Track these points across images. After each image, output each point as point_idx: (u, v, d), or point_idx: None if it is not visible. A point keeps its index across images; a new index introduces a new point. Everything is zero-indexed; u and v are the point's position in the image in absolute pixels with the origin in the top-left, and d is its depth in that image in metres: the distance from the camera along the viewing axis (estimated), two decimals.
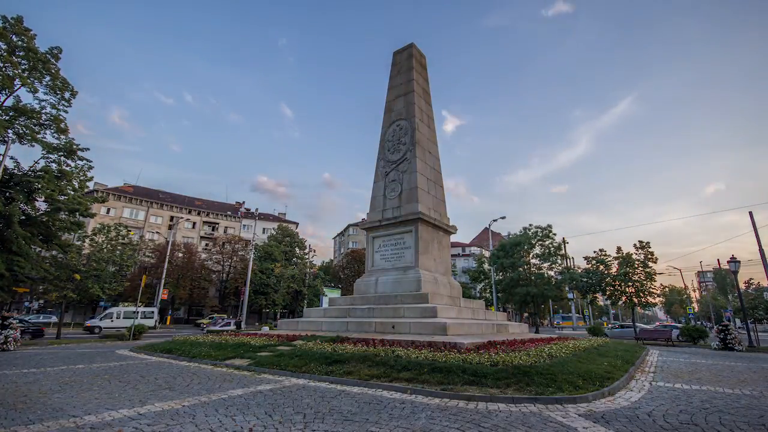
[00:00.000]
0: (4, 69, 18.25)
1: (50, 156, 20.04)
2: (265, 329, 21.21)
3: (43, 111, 19.65)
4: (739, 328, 36.36)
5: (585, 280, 32.42)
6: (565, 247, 46.50)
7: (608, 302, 45.41)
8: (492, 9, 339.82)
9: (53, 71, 19.59)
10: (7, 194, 18.37)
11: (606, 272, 30.54)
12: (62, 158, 20.32)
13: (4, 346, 13.58)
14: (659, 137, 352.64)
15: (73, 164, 20.69)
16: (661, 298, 62.92)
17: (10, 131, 18.45)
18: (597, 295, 35.04)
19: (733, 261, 22.04)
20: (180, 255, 53.00)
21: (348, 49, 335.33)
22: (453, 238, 19.45)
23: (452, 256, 23.90)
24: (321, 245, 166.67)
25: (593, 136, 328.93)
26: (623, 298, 29.57)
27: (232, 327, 30.48)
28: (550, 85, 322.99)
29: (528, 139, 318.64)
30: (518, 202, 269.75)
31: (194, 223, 70.37)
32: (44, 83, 19.57)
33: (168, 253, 44.35)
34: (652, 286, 28.93)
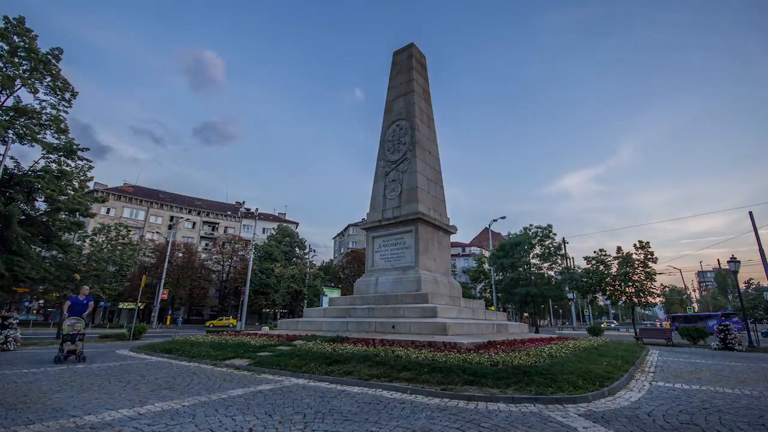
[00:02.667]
0: (5, 69, 18.27)
1: (50, 156, 20.07)
2: (265, 329, 21.20)
3: (44, 111, 19.68)
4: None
5: (585, 280, 32.42)
6: (565, 247, 46.49)
7: (608, 302, 45.42)
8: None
9: (54, 72, 19.61)
10: (7, 194, 18.38)
11: (606, 272, 30.53)
12: (62, 158, 20.34)
13: (4, 346, 13.56)
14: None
15: (73, 164, 20.71)
16: (661, 298, 62.93)
17: (10, 131, 18.47)
18: (597, 295, 35.02)
19: (733, 261, 22.00)
20: (180, 255, 53.03)
21: (349, 49, 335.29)
22: (453, 238, 19.45)
23: (452, 256, 23.92)
24: (321, 245, 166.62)
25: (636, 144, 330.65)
26: (623, 298, 29.56)
27: None
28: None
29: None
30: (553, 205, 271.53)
31: (194, 223, 70.40)
32: (45, 84, 19.60)
33: (168, 253, 44.36)
34: (653, 286, 28.92)
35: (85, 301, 11.16)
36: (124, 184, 69.81)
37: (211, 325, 43.44)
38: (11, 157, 19.57)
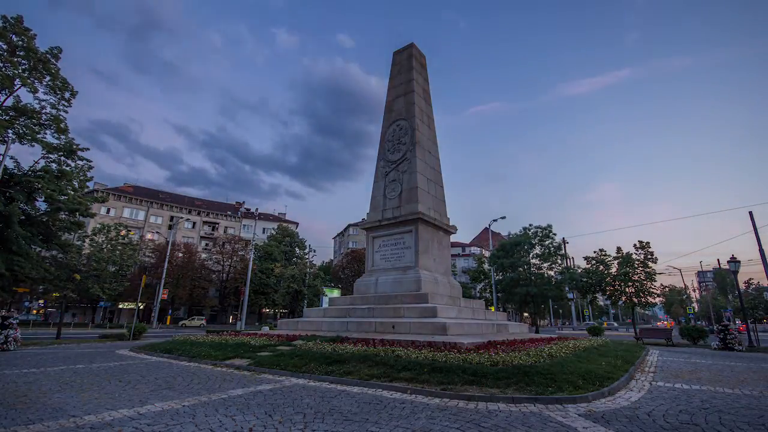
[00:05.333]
0: (4, 69, 18.25)
1: (50, 156, 20.05)
2: (265, 329, 21.20)
3: (43, 111, 19.66)
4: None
5: (585, 280, 32.39)
6: (565, 247, 46.46)
7: (608, 302, 45.40)
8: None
9: (53, 71, 19.58)
10: (8, 194, 18.37)
11: (606, 272, 30.50)
12: (62, 158, 20.32)
13: (4, 346, 13.55)
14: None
15: (72, 164, 20.70)
16: (661, 298, 62.84)
17: (10, 131, 18.46)
18: (597, 295, 34.99)
19: (733, 261, 21.98)
20: (180, 255, 52.99)
21: (351, 49, 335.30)
22: (453, 238, 19.45)
23: (452, 256, 23.91)
24: (321, 245, 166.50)
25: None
26: (623, 298, 29.53)
27: None
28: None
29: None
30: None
31: (194, 223, 70.38)
32: (44, 83, 19.57)
33: (168, 253, 44.35)
34: (652, 286, 28.90)
35: None
36: (125, 184, 69.88)
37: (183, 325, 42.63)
38: (11, 157, 19.57)
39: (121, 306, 52.16)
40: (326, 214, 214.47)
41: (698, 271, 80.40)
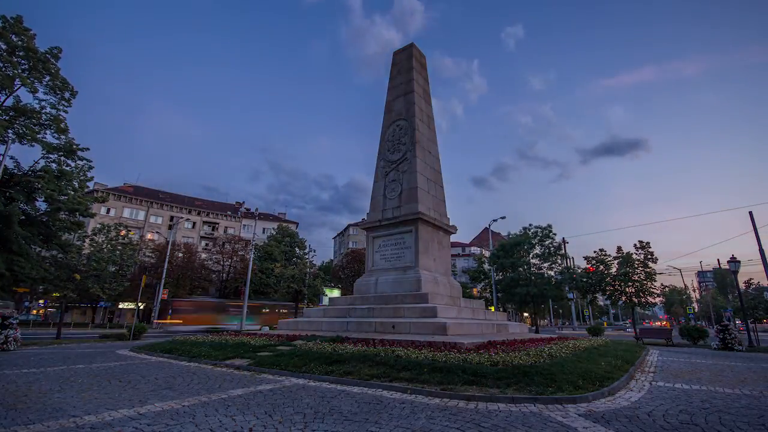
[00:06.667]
0: (3, 69, 18.24)
1: (50, 156, 20.03)
2: (266, 329, 21.21)
3: (43, 111, 19.64)
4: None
5: (585, 280, 32.41)
6: (565, 247, 46.46)
7: (608, 302, 45.40)
8: None
9: (53, 71, 19.56)
10: (8, 194, 18.36)
11: (606, 272, 30.53)
12: (62, 158, 20.30)
13: (4, 346, 13.56)
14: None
15: (73, 164, 20.68)
16: (661, 298, 62.82)
17: (10, 131, 18.44)
18: (597, 295, 35.01)
19: (733, 261, 21.99)
20: (180, 255, 52.92)
21: (351, 49, 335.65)
22: (453, 238, 19.45)
23: (452, 256, 23.90)
24: (321, 245, 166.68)
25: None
26: (623, 298, 29.55)
27: None
28: None
29: None
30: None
31: (194, 223, 70.38)
32: (44, 83, 19.55)
33: (168, 253, 44.31)
34: (653, 286, 28.93)
35: None
36: (124, 184, 69.79)
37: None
38: (11, 157, 19.54)
39: (121, 306, 52.16)
40: (327, 213, 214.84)
41: (698, 271, 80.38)
